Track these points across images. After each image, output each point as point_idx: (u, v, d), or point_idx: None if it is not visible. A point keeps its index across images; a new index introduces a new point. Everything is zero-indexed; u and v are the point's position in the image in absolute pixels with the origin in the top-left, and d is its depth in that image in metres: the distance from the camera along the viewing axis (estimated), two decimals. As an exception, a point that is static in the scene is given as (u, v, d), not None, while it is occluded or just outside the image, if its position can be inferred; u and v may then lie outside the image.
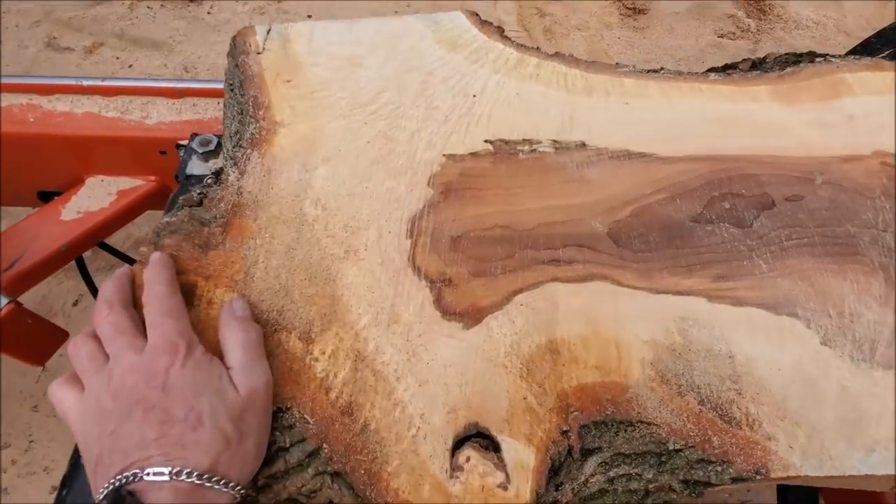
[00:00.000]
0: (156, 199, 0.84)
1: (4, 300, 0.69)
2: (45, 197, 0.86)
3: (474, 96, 0.52)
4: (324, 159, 0.48)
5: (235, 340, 0.37)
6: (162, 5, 1.85)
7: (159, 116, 0.80)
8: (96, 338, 0.38)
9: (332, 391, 0.38)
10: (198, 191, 0.47)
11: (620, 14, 1.86)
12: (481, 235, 0.44)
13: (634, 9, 1.85)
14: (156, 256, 0.41)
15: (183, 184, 0.66)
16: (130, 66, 1.73)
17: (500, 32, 0.58)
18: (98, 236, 0.82)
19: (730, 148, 0.50)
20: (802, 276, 0.44)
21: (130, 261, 0.94)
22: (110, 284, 0.40)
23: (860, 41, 1.04)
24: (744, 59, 0.64)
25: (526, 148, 0.49)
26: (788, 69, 0.56)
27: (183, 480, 0.32)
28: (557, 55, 0.56)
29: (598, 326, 0.41)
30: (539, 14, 1.87)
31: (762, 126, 0.52)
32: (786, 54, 0.61)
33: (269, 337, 0.40)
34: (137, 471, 0.32)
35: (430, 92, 0.53)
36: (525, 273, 0.43)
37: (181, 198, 0.46)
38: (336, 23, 0.58)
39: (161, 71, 1.71)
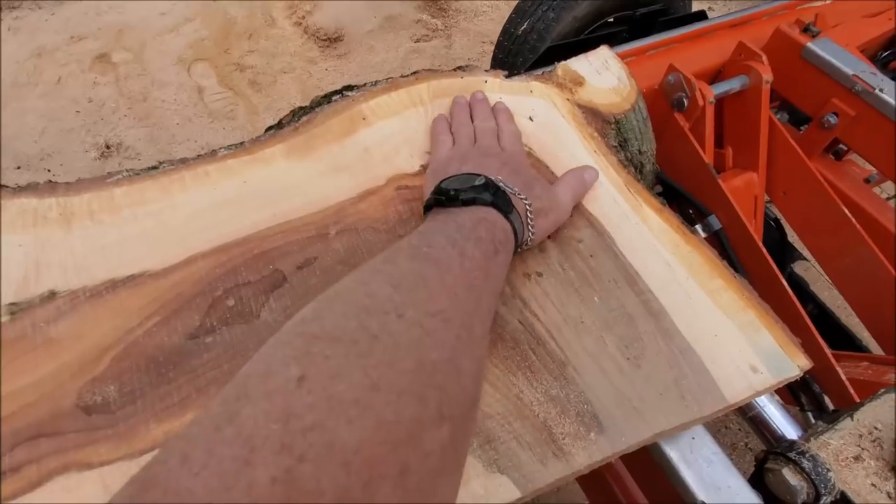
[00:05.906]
0: None
1: None
2: None
3: None
4: None
5: (570, 178, 0.49)
6: None
7: None
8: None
9: None
10: None
11: (319, 47, 1.85)
12: None
13: (329, 38, 1.85)
14: (500, 105, 0.55)
15: None
16: None
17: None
18: None
19: (237, 231, 0.45)
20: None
21: None
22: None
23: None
24: (288, 112, 0.61)
25: (-26, 329, 0.40)
26: (304, 118, 0.53)
27: (522, 200, 0.42)
28: (29, 187, 0.47)
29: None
30: (239, 69, 1.78)
31: (275, 193, 0.48)
32: (318, 98, 0.58)
33: None
34: (495, 179, 0.42)
35: None
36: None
37: None
38: None
39: None
